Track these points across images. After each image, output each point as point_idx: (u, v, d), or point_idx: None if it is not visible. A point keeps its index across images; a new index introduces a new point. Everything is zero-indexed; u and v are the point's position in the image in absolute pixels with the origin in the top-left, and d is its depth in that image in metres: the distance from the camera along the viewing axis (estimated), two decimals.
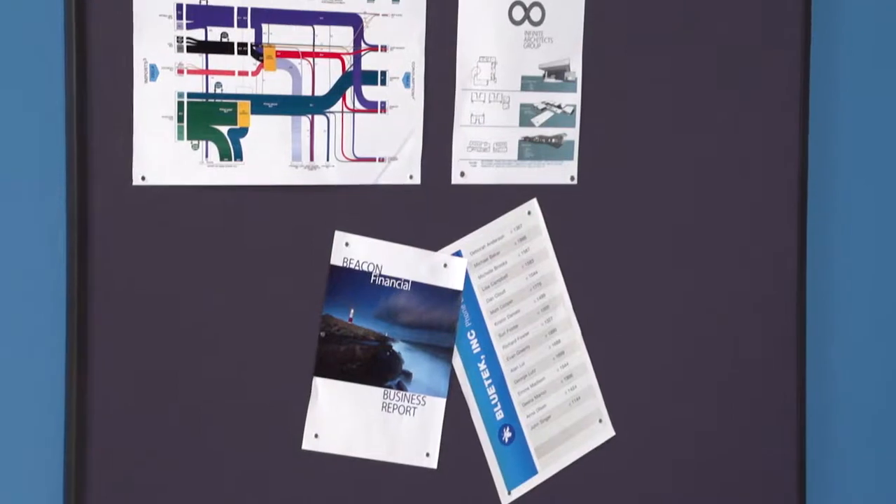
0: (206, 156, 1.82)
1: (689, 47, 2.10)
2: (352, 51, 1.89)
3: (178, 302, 1.84)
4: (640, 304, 2.10)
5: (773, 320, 2.20)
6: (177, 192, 1.82)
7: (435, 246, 1.98)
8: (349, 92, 1.89)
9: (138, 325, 1.81)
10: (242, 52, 1.82)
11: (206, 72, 1.81)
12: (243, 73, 1.83)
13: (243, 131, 1.84)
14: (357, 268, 1.93)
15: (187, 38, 1.79)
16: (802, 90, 2.19)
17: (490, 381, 2.02)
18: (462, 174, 1.98)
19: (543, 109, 2.02)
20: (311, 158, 1.88)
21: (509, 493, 2.05)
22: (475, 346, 2.01)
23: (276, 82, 1.85)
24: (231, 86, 1.82)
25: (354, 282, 1.93)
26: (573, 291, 2.07)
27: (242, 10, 1.81)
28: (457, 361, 2.00)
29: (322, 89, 1.88)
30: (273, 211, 1.87)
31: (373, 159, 1.92)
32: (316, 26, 1.86)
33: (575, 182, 2.05)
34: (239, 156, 1.84)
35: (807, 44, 2.18)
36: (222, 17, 1.80)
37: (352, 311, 1.93)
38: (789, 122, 2.18)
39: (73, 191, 1.76)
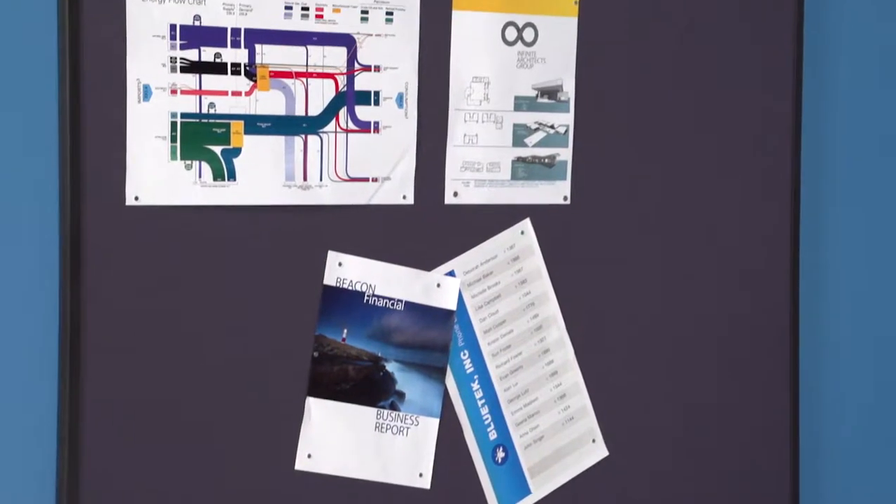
0: (200, 176, 1.82)
1: (682, 68, 2.10)
2: (345, 71, 1.89)
3: (171, 322, 1.83)
4: (634, 324, 2.10)
5: (766, 343, 2.20)
6: (170, 212, 1.82)
7: (428, 266, 1.98)
8: (342, 112, 1.90)
9: (131, 345, 1.81)
10: (236, 72, 1.83)
11: (200, 92, 1.81)
12: (237, 94, 1.83)
13: (237, 151, 1.84)
14: (350, 288, 1.93)
15: (181, 58, 1.79)
16: (795, 115, 2.20)
17: (483, 401, 2.02)
18: (455, 194, 1.99)
19: (536, 129, 2.03)
20: (305, 178, 1.88)
21: None
22: (468, 365, 2.01)
23: (269, 102, 1.85)
24: (224, 106, 1.83)
25: (348, 302, 1.93)
26: (566, 311, 2.07)
27: (236, 31, 1.82)
28: (450, 381, 2.00)
29: (315, 109, 1.88)
30: (266, 231, 1.87)
31: (366, 179, 1.92)
32: (309, 46, 1.87)
33: (568, 202, 2.06)
34: (232, 176, 1.84)
35: (798, 73, 2.19)
36: (216, 37, 1.81)
37: (345, 331, 1.93)
38: (783, 147, 2.19)
39: (66, 210, 1.76)
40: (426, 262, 1.97)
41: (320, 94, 1.88)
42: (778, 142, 2.19)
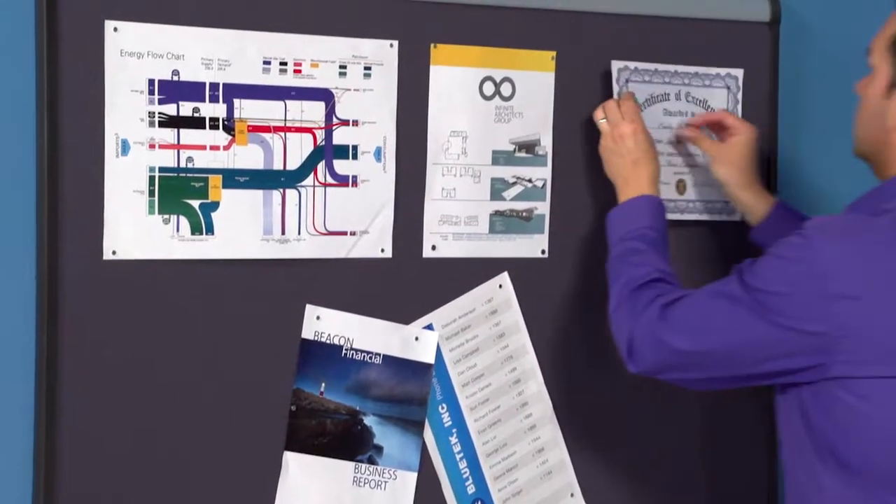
0: (178, 230, 1.82)
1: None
2: (323, 125, 1.90)
3: (148, 376, 1.83)
4: (612, 378, 2.10)
5: (748, 402, 2.20)
6: (148, 266, 1.82)
7: (406, 319, 1.98)
8: (321, 166, 1.90)
9: (108, 400, 1.80)
10: (214, 126, 1.83)
11: (178, 146, 1.81)
12: (215, 148, 1.84)
13: (215, 205, 1.84)
14: (328, 341, 1.93)
15: (159, 113, 1.80)
16: (772, 164, 2.22)
17: (462, 454, 2.02)
18: (433, 247, 1.99)
19: (514, 183, 2.04)
20: (283, 232, 1.89)
21: None
22: (447, 419, 2.01)
23: (247, 156, 1.86)
24: (203, 160, 1.83)
25: (326, 355, 1.93)
26: (544, 365, 2.07)
27: (214, 86, 1.83)
28: (428, 435, 1.99)
29: (294, 163, 1.89)
30: (244, 284, 1.87)
31: (344, 233, 1.93)
32: (288, 101, 1.87)
33: (546, 255, 2.06)
34: (210, 230, 1.84)
35: (774, 125, 2.21)
36: (194, 92, 1.82)
37: (323, 384, 1.93)
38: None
39: (43, 265, 1.76)
40: (404, 315, 1.98)
41: (298, 149, 1.89)
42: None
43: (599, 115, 2.00)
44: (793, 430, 1.70)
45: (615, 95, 2.05)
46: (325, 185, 1.91)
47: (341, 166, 1.92)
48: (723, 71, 2.15)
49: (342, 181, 1.92)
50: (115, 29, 1.76)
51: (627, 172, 1.96)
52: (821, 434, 1.65)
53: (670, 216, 2.05)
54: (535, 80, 2.03)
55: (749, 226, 2.09)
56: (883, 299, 1.59)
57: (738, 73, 2.16)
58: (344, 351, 1.94)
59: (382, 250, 1.95)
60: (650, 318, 1.74)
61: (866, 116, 1.78)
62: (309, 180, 1.90)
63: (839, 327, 1.59)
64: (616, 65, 2.05)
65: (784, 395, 1.71)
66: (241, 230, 1.86)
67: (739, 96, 2.17)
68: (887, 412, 1.60)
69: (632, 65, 2.06)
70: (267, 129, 1.87)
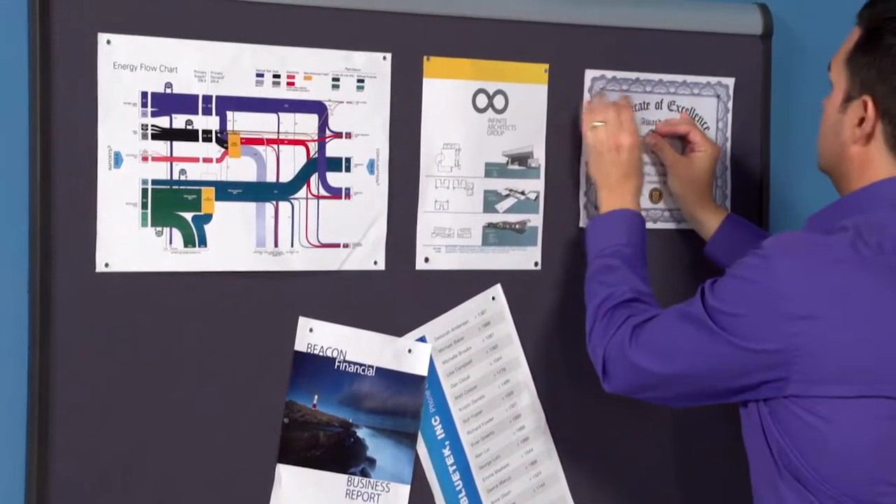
0: (171, 242, 1.82)
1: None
2: (316, 138, 1.90)
3: (141, 389, 1.83)
4: (605, 391, 2.10)
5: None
6: (140, 278, 1.82)
7: (399, 331, 1.98)
8: (314, 178, 1.90)
9: (101, 412, 1.80)
10: (207, 139, 1.84)
11: (171, 159, 1.82)
12: (208, 160, 1.84)
13: (207, 218, 1.84)
14: (321, 353, 1.93)
15: (152, 125, 1.80)
16: (762, 184, 2.22)
17: (455, 467, 2.01)
18: (426, 260, 1.99)
19: (507, 196, 2.04)
20: (276, 244, 1.89)
21: None
22: (440, 431, 2.01)
23: (240, 169, 1.86)
24: (195, 172, 1.83)
25: (318, 367, 1.93)
26: (537, 377, 2.07)
27: (207, 98, 1.83)
28: (421, 447, 1.99)
29: (287, 176, 1.89)
30: (237, 297, 1.87)
31: (337, 245, 1.93)
32: (281, 113, 1.88)
33: (539, 268, 2.06)
34: (203, 242, 1.84)
35: (766, 144, 2.22)
36: (187, 104, 1.82)
37: (316, 396, 1.93)
38: (752, 207, 2.21)
39: (36, 277, 1.76)
40: (397, 327, 1.98)
41: (291, 161, 1.89)
42: (751, 205, 2.21)
43: (595, 120, 2.00)
44: (755, 446, 1.74)
45: (585, 104, 2.05)
46: (318, 197, 1.91)
47: (334, 179, 1.92)
48: (713, 80, 2.16)
49: (335, 193, 1.92)
50: (109, 42, 1.76)
51: (614, 183, 1.97)
52: (779, 450, 1.68)
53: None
54: (527, 93, 2.03)
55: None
56: (839, 319, 1.61)
57: (729, 81, 2.16)
58: (337, 363, 1.94)
59: (375, 262, 1.95)
60: (622, 338, 1.77)
61: (825, 131, 1.80)
62: (302, 193, 1.90)
63: (795, 346, 1.61)
64: (590, 73, 2.06)
65: (746, 411, 1.75)
66: (234, 242, 1.86)
67: (730, 105, 2.17)
68: (842, 431, 1.62)
69: (608, 73, 2.07)
70: (260, 142, 1.87)
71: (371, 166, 1.94)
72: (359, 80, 1.92)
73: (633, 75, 2.09)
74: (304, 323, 1.92)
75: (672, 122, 2.12)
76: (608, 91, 2.07)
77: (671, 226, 2.15)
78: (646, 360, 1.74)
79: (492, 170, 2.02)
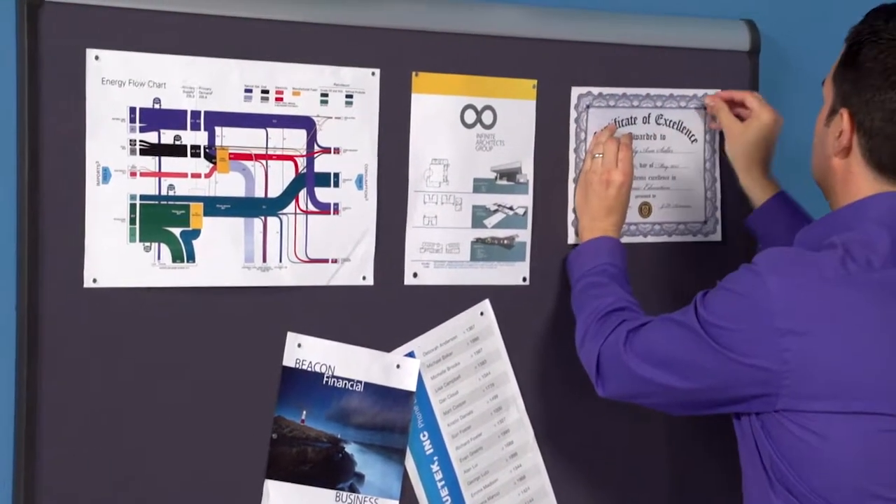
0: (159, 258, 1.82)
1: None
2: (305, 153, 1.90)
3: (130, 404, 1.82)
4: (594, 406, 2.10)
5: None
6: (129, 294, 1.81)
7: (388, 347, 1.98)
8: (302, 194, 1.90)
9: (89, 427, 1.80)
10: (195, 154, 1.83)
11: (159, 174, 1.81)
12: (196, 176, 1.84)
13: (196, 233, 1.84)
14: (309, 369, 1.93)
15: (140, 140, 1.80)
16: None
17: (443, 482, 2.01)
18: (415, 275, 1.99)
19: (496, 211, 2.04)
20: (264, 260, 1.89)
21: None
22: (428, 447, 2.00)
23: (229, 184, 1.86)
24: (184, 188, 1.83)
25: (307, 383, 1.92)
26: (526, 392, 2.07)
27: (196, 114, 1.83)
28: (409, 463, 1.99)
29: (275, 191, 1.89)
30: (225, 312, 1.87)
31: (326, 260, 1.93)
32: (269, 129, 1.88)
33: (527, 283, 2.07)
34: (191, 257, 1.84)
35: None
36: (175, 120, 1.82)
37: (304, 412, 1.92)
38: (742, 218, 2.21)
39: (24, 293, 1.75)
40: (386, 343, 1.97)
41: (280, 176, 1.89)
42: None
43: (597, 150, 2.02)
44: (748, 457, 1.76)
45: (572, 122, 2.06)
46: (307, 212, 1.91)
47: (323, 194, 1.92)
48: (700, 92, 2.16)
49: (323, 209, 1.92)
50: (97, 57, 1.76)
51: (598, 215, 2.01)
52: (771, 462, 1.69)
53: (633, 239, 2.08)
54: (516, 109, 2.04)
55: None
56: (828, 336, 1.63)
57: (714, 93, 2.17)
58: (325, 378, 1.94)
59: (364, 278, 1.95)
60: (616, 342, 1.80)
61: (815, 144, 1.84)
62: (290, 208, 1.90)
63: (784, 362, 1.63)
64: (576, 91, 2.06)
65: (739, 423, 1.76)
66: (223, 258, 1.86)
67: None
68: (832, 445, 1.64)
69: (595, 90, 2.07)
70: (248, 157, 1.87)
71: (360, 181, 1.94)
72: (347, 96, 1.92)
73: (619, 91, 2.09)
74: (292, 338, 1.91)
75: (732, 92, 2.14)
76: (594, 108, 2.07)
77: (661, 239, 2.15)
78: (640, 366, 1.76)
79: (480, 185, 2.03)
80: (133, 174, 1.80)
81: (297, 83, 1.89)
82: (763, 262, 1.69)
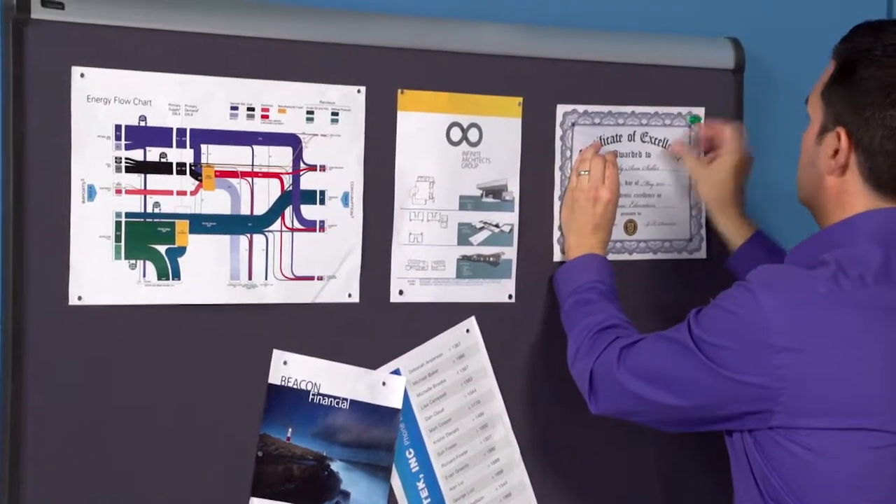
0: (144, 275, 1.82)
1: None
2: (291, 170, 1.91)
3: (115, 422, 1.82)
4: (580, 423, 2.10)
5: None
6: (114, 311, 1.81)
7: (373, 364, 1.98)
8: (288, 211, 1.90)
9: (74, 445, 1.79)
10: (181, 171, 1.83)
11: (145, 191, 1.81)
12: (182, 193, 1.83)
13: (181, 250, 1.84)
14: (295, 386, 1.92)
15: (126, 158, 1.80)
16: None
17: (429, 500, 2.01)
18: (401, 292, 1.99)
19: (481, 228, 2.04)
20: (250, 277, 1.88)
21: None
22: (414, 464, 2.00)
23: (214, 202, 1.86)
24: (169, 205, 1.83)
25: (292, 400, 1.92)
26: (512, 410, 2.07)
27: (181, 131, 1.83)
28: (395, 481, 1.99)
29: (261, 208, 1.89)
30: (211, 330, 1.87)
31: (311, 278, 1.93)
32: (255, 146, 1.88)
33: (513, 300, 2.07)
34: (177, 275, 1.84)
35: None
36: (161, 137, 1.82)
37: (290, 429, 1.92)
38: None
39: (8, 310, 1.75)
40: (371, 360, 1.97)
41: (266, 194, 1.89)
42: None
43: (582, 168, 2.02)
44: (739, 473, 1.75)
45: (557, 139, 2.06)
46: (293, 230, 1.91)
47: (308, 211, 1.92)
48: (684, 109, 2.17)
49: (309, 226, 1.92)
50: (82, 75, 1.76)
51: (584, 232, 2.01)
52: (763, 478, 1.70)
53: (618, 257, 2.09)
54: (502, 126, 2.04)
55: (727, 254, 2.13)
56: (822, 353, 1.63)
57: (700, 111, 2.18)
58: (311, 396, 1.93)
59: (350, 295, 1.95)
60: (609, 359, 1.80)
61: (803, 164, 1.83)
62: (276, 225, 1.90)
63: (779, 379, 1.63)
64: (561, 108, 2.07)
65: (730, 440, 1.76)
66: (208, 275, 1.86)
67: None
68: (825, 461, 1.64)
69: (580, 108, 2.08)
70: (234, 175, 1.87)
71: (345, 199, 1.94)
72: (333, 113, 1.92)
73: (605, 108, 2.10)
74: (278, 356, 1.91)
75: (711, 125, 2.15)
76: (579, 125, 2.08)
77: (646, 256, 2.16)
78: (634, 383, 1.76)
79: (466, 202, 2.03)
80: (118, 191, 1.80)
81: (283, 101, 1.89)
82: (756, 279, 1.69)
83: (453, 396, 2.03)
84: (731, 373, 1.66)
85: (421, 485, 2.01)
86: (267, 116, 1.88)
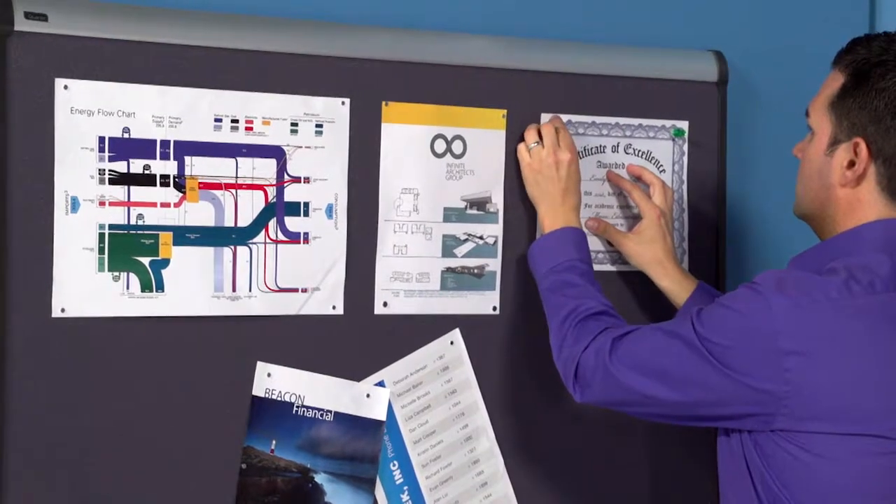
0: (128, 287, 1.82)
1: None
2: (275, 182, 1.90)
3: (98, 434, 1.81)
4: (565, 435, 2.11)
5: (700, 447, 2.21)
6: (97, 323, 1.81)
7: (358, 376, 1.97)
8: (272, 223, 1.90)
9: (56, 459, 1.79)
10: (165, 183, 1.83)
11: (128, 203, 1.81)
12: (165, 205, 1.83)
13: (165, 262, 1.84)
14: (279, 398, 1.92)
15: (109, 170, 1.80)
16: (718, 222, 2.24)
17: None
18: (385, 304, 1.99)
19: (466, 240, 2.04)
20: (234, 289, 1.88)
21: None
22: (398, 476, 2.00)
23: (198, 214, 1.85)
24: (153, 217, 1.83)
25: (276, 413, 1.92)
26: (496, 422, 2.07)
27: (165, 143, 1.83)
28: (379, 493, 1.98)
29: (245, 220, 1.89)
30: (194, 342, 1.87)
31: (296, 290, 1.93)
32: (239, 158, 1.88)
33: (497, 312, 2.07)
34: (161, 287, 1.84)
35: (722, 187, 2.24)
36: (145, 149, 1.82)
37: (274, 442, 1.92)
38: (709, 248, 2.23)
39: None
40: (355, 372, 1.97)
41: (250, 206, 1.89)
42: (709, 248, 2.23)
43: (532, 139, 2.01)
44: (734, 475, 1.75)
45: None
46: (277, 241, 1.91)
47: (293, 223, 1.92)
48: (668, 123, 2.18)
49: (293, 238, 1.92)
50: (66, 87, 1.76)
51: (555, 200, 1.98)
52: (762, 480, 1.69)
53: (601, 267, 2.09)
54: (486, 138, 2.05)
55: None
56: (830, 357, 1.62)
57: (684, 124, 2.18)
58: (295, 408, 1.93)
59: (334, 307, 1.95)
60: (600, 349, 1.78)
61: (808, 175, 1.82)
62: (260, 237, 1.90)
63: (785, 382, 1.62)
64: (546, 118, 2.07)
65: (727, 439, 1.75)
66: (192, 287, 1.86)
67: (685, 147, 2.19)
68: (828, 466, 1.64)
69: (564, 118, 2.08)
70: (218, 187, 1.87)
71: (329, 211, 1.94)
72: (317, 125, 1.93)
73: (588, 119, 2.11)
74: (262, 368, 1.91)
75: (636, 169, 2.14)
76: (574, 140, 2.08)
77: (628, 268, 2.15)
78: (628, 375, 1.74)
79: (450, 214, 2.03)
80: (102, 203, 1.80)
81: (267, 112, 1.89)
82: (766, 282, 1.68)
83: (438, 408, 2.03)
84: (736, 374, 1.65)
85: (405, 497, 2.00)
86: (251, 128, 1.88)
